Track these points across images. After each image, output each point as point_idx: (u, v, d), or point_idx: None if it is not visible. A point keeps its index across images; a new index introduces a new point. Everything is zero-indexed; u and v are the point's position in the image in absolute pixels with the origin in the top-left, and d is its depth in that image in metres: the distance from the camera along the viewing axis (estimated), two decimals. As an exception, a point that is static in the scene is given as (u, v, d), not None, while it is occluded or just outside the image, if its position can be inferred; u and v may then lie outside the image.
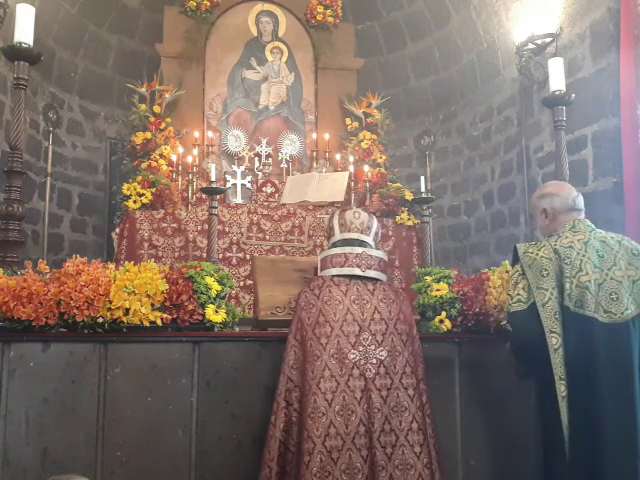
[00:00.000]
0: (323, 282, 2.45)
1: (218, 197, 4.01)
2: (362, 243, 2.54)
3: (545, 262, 2.19)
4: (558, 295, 2.15)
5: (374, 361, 2.34)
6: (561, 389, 2.11)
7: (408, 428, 2.33)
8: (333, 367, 2.30)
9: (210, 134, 5.68)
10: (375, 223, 2.65)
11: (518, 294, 2.21)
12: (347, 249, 2.50)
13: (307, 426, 2.23)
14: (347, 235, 2.55)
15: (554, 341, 2.12)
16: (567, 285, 2.14)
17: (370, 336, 2.36)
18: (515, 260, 2.32)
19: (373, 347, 2.36)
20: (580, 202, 2.37)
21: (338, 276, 2.46)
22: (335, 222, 2.61)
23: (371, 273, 2.48)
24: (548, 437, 2.21)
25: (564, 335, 2.12)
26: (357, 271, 2.46)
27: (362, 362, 2.33)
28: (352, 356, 2.33)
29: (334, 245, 2.56)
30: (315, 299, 2.40)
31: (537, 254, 2.22)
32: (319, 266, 2.57)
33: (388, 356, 2.36)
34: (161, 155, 5.24)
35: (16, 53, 3.05)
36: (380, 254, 2.56)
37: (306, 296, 2.43)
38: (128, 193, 4.81)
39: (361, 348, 2.35)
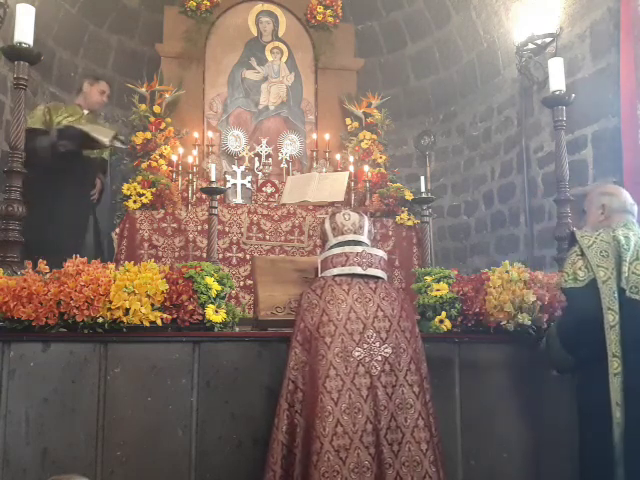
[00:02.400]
0: (325, 282, 2.45)
1: (218, 197, 4.01)
2: (358, 243, 2.55)
3: (604, 245, 2.28)
4: (616, 277, 2.22)
5: (379, 358, 2.34)
6: (614, 365, 2.16)
7: (414, 425, 2.32)
8: (338, 366, 2.30)
9: (210, 134, 5.68)
10: (367, 221, 2.66)
11: (574, 272, 2.29)
12: (347, 248, 2.51)
13: (314, 426, 2.23)
14: (342, 238, 2.57)
15: (610, 318, 2.18)
16: (625, 268, 2.22)
17: (374, 333, 2.36)
18: (571, 244, 2.41)
19: (378, 344, 2.35)
20: (635, 209, 2.48)
21: (339, 275, 2.47)
22: (327, 227, 2.62)
23: (372, 271, 2.48)
24: (592, 422, 2.23)
25: (619, 315, 2.18)
26: (358, 269, 2.46)
27: (367, 360, 2.33)
28: (357, 354, 2.33)
29: (331, 248, 2.57)
30: (317, 299, 2.40)
31: (596, 237, 2.32)
32: (319, 267, 2.57)
33: (393, 353, 2.36)
34: (161, 155, 5.24)
35: (16, 53, 3.05)
36: (380, 253, 2.57)
37: (308, 297, 2.43)
38: (128, 193, 4.80)
39: (365, 346, 2.34)
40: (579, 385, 2.37)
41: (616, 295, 2.19)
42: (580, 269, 2.28)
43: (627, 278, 2.21)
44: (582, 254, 2.30)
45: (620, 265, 2.23)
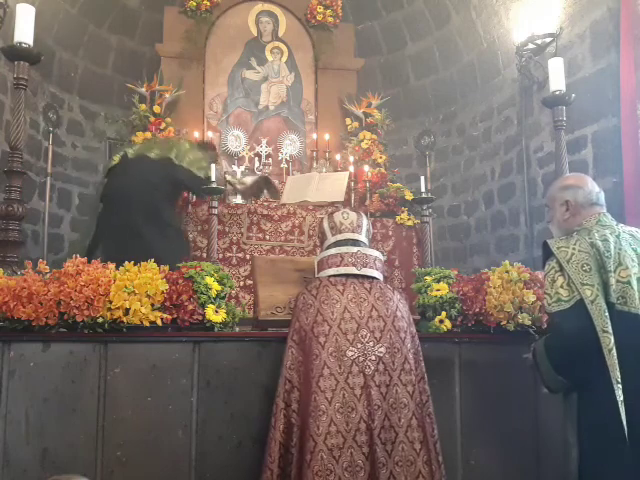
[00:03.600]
0: (320, 283, 2.46)
1: (218, 197, 4.01)
2: (355, 242, 2.56)
3: (584, 256, 2.05)
4: (603, 291, 2.02)
5: (373, 358, 2.35)
6: (618, 393, 1.94)
7: (407, 425, 2.33)
8: (332, 365, 2.31)
9: (210, 134, 5.68)
10: (365, 220, 2.67)
11: (557, 293, 2.06)
12: (342, 249, 2.52)
13: (308, 425, 2.24)
14: (340, 237, 2.58)
15: (607, 341, 1.95)
16: (611, 280, 2.02)
17: (368, 333, 2.37)
18: (547, 256, 2.17)
19: (371, 344, 2.36)
20: (602, 198, 2.27)
21: (335, 276, 2.48)
22: (325, 226, 2.64)
23: (367, 271, 2.49)
24: (598, 447, 2.02)
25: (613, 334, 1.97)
26: (353, 270, 2.47)
27: (361, 359, 2.34)
28: (351, 353, 2.33)
29: (328, 248, 2.57)
30: (313, 299, 2.41)
31: (574, 248, 2.08)
32: (316, 268, 2.58)
33: (387, 353, 2.37)
34: (161, 155, 5.23)
35: (16, 53, 3.06)
36: (375, 253, 2.57)
37: (304, 297, 2.44)
38: (128, 193, 4.79)
39: (359, 345, 2.35)
40: (581, 409, 2.10)
41: (607, 314, 1.98)
42: (562, 287, 2.05)
43: (614, 290, 2.01)
44: (561, 269, 2.07)
45: (606, 276, 2.03)
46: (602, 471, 2.01)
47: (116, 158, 4.44)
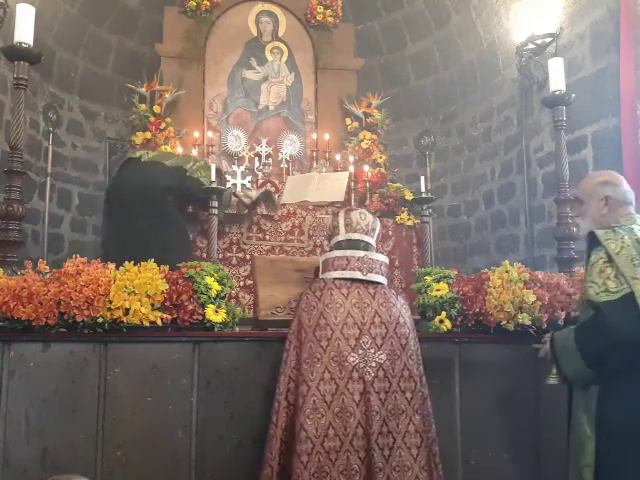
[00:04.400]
0: (325, 284, 2.45)
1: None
2: (367, 245, 2.54)
3: (632, 251, 2.05)
4: None
5: (373, 364, 2.36)
6: None
7: (405, 430, 2.35)
8: (333, 370, 2.32)
9: (210, 134, 5.68)
10: (378, 225, 2.66)
11: (604, 283, 2.04)
12: (348, 252, 2.50)
13: (306, 427, 2.24)
14: (352, 235, 2.56)
15: None
16: None
17: (370, 339, 2.37)
18: (592, 246, 2.15)
19: (373, 351, 2.37)
20: (633, 197, 2.30)
21: (339, 279, 2.47)
22: (341, 221, 2.60)
23: (372, 277, 2.48)
24: (622, 442, 2.02)
25: None
26: (358, 274, 2.46)
27: (361, 365, 2.34)
28: (352, 359, 2.34)
29: (338, 245, 2.56)
30: (316, 301, 2.41)
31: (622, 241, 2.08)
32: (320, 268, 2.57)
33: (387, 360, 2.37)
34: (161, 155, 5.23)
35: (16, 53, 3.05)
36: (382, 257, 2.56)
37: (307, 298, 2.44)
38: (128, 193, 4.79)
39: (361, 351, 2.36)
40: (605, 402, 2.07)
41: None
42: (609, 279, 2.03)
43: None
44: (610, 260, 2.05)
45: None
46: (625, 466, 2.00)
47: (133, 154, 4.65)
